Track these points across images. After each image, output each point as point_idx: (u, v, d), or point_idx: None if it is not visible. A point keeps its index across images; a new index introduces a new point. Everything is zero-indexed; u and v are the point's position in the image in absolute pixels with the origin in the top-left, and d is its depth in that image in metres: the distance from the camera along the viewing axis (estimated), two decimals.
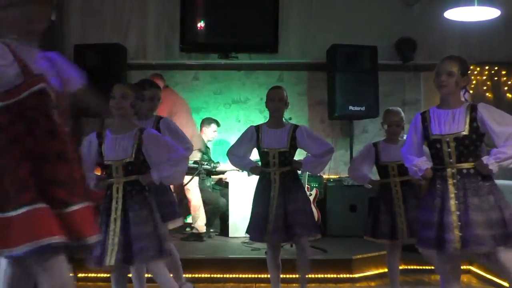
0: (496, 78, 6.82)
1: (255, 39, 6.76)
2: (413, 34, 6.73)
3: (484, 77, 6.82)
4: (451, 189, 2.88)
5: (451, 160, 2.91)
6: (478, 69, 6.75)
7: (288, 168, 3.75)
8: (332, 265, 4.78)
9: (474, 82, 6.63)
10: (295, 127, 3.80)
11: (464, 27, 6.25)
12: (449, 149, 2.91)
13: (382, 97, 6.52)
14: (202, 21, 6.71)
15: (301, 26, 6.88)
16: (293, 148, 3.78)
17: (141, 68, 6.65)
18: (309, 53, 6.89)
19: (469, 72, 3.02)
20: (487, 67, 6.80)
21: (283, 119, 3.86)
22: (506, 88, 6.80)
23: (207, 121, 6.40)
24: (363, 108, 6.40)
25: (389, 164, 3.78)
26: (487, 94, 6.81)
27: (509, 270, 2.82)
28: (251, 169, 3.86)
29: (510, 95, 6.78)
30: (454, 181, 2.89)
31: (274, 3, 6.72)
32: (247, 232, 3.83)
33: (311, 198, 6.14)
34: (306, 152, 3.94)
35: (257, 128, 3.84)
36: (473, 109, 2.92)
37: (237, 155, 3.91)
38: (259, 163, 3.91)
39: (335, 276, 4.73)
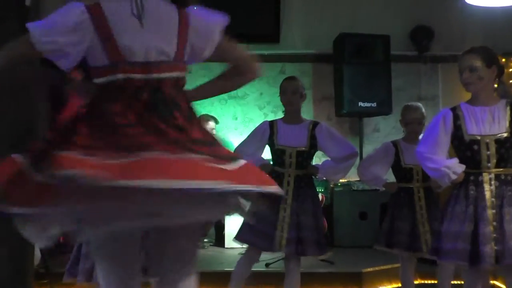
0: None
1: (254, 27, 6.68)
2: (430, 22, 6.73)
3: (511, 69, 6.78)
4: (488, 196, 2.83)
5: (489, 164, 2.86)
6: (503, 60, 6.68)
7: (305, 172, 3.67)
8: (340, 279, 4.75)
9: None
10: (315, 123, 3.72)
11: (487, 14, 6.20)
12: (488, 152, 2.85)
13: (395, 92, 6.51)
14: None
15: (306, 13, 6.86)
16: (312, 148, 3.68)
17: None
18: (314, 43, 6.87)
19: (497, 60, 2.98)
20: None
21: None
22: None
23: (204, 118, 6.36)
24: (374, 104, 6.38)
25: (414, 167, 3.72)
26: None
27: None
28: (261, 166, 3.68)
29: None
30: (492, 187, 2.84)
31: None
32: (241, 238, 3.63)
33: None
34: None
35: (271, 123, 3.75)
36: None
37: (245, 153, 3.78)
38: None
39: None
